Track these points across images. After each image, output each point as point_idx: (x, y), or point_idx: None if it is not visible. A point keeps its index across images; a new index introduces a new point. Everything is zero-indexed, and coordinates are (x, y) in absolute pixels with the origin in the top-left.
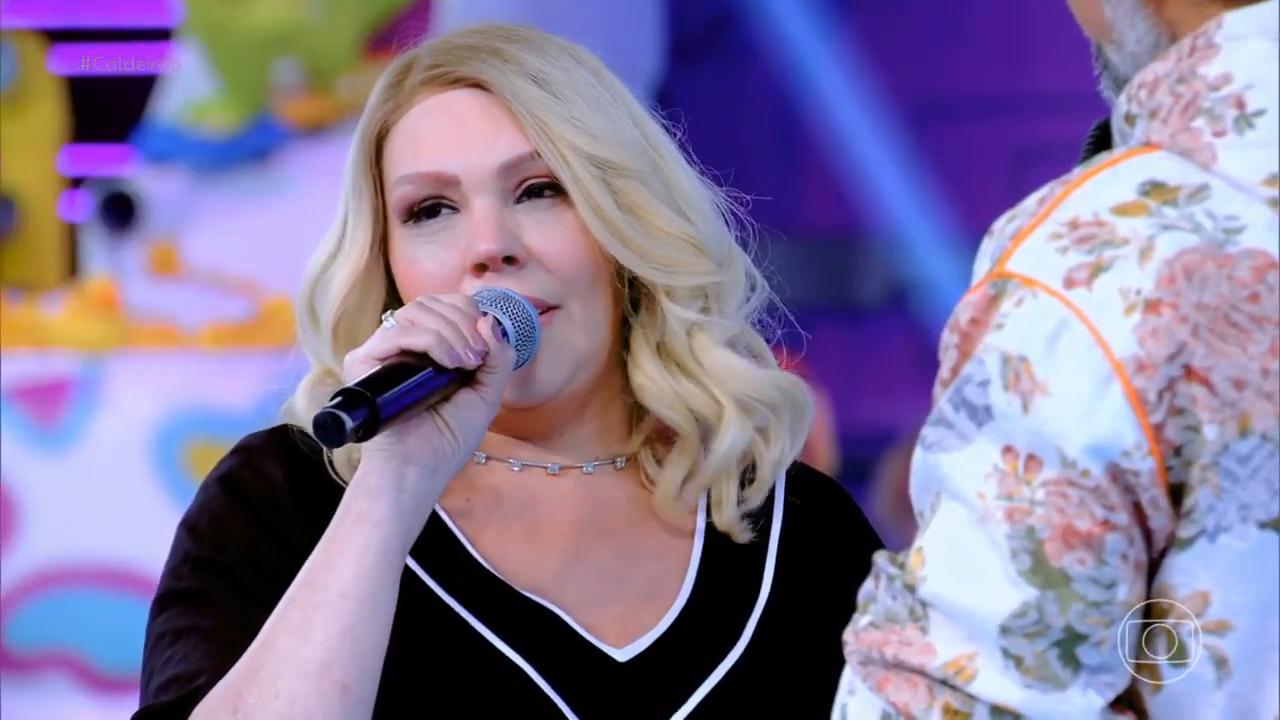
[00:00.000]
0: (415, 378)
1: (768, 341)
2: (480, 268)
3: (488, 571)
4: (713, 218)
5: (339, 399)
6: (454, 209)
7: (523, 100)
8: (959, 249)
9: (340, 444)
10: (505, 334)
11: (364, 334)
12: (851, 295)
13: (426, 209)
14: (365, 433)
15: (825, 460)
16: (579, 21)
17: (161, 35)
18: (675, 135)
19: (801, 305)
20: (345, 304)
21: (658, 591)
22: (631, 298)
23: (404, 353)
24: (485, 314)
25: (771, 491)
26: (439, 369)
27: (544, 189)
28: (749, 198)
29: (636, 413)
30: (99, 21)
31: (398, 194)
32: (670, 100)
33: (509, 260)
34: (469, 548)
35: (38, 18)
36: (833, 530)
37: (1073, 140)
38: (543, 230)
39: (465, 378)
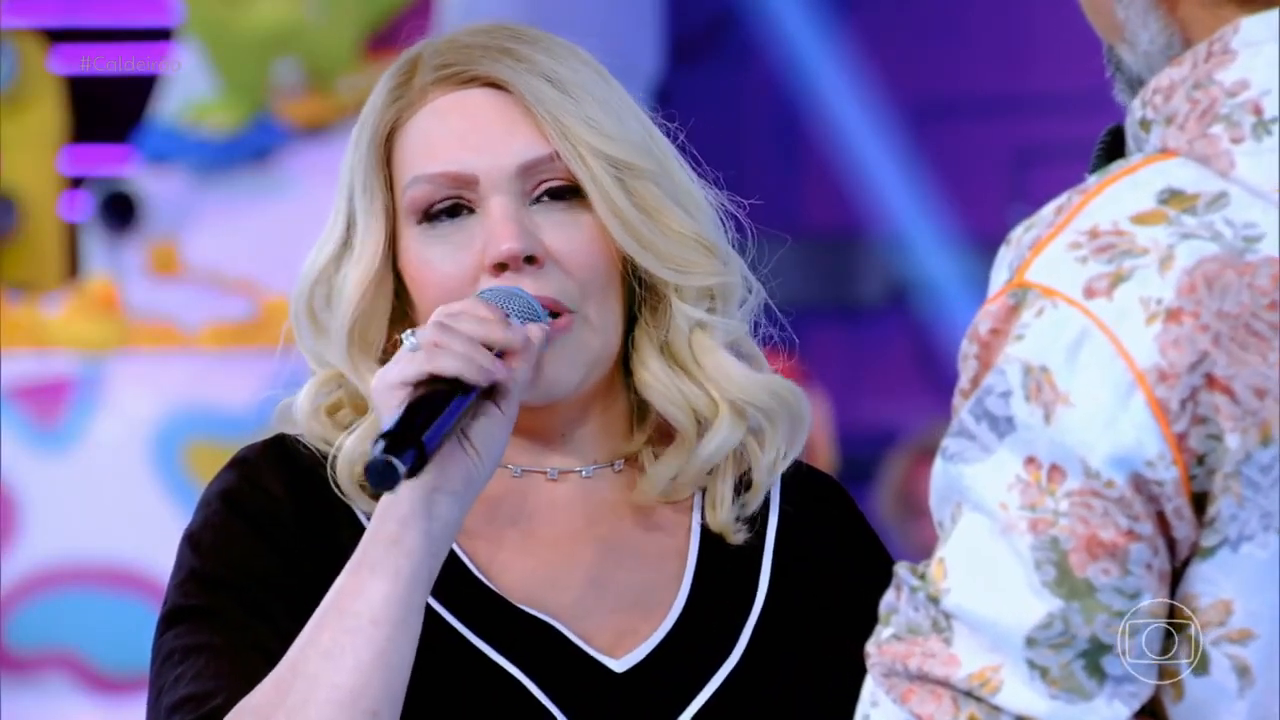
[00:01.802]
0: (448, 406)
1: (767, 342)
2: (500, 267)
3: (482, 584)
4: (714, 218)
5: (385, 443)
6: (470, 210)
7: (541, 100)
8: (959, 249)
9: (394, 488)
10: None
11: (376, 335)
12: (851, 295)
13: (444, 210)
14: (413, 474)
15: (825, 460)
16: (579, 21)
17: (161, 35)
18: (674, 136)
19: (801, 305)
20: (360, 306)
21: (653, 600)
22: (639, 300)
23: (433, 377)
24: (507, 315)
25: (766, 495)
26: (466, 390)
27: (563, 192)
28: (748, 203)
29: (638, 413)
30: (99, 21)
31: (412, 194)
32: (670, 100)
33: (529, 260)
34: (464, 560)
35: (38, 18)
36: (830, 530)
37: (1073, 140)
38: (560, 232)
39: (486, 392)
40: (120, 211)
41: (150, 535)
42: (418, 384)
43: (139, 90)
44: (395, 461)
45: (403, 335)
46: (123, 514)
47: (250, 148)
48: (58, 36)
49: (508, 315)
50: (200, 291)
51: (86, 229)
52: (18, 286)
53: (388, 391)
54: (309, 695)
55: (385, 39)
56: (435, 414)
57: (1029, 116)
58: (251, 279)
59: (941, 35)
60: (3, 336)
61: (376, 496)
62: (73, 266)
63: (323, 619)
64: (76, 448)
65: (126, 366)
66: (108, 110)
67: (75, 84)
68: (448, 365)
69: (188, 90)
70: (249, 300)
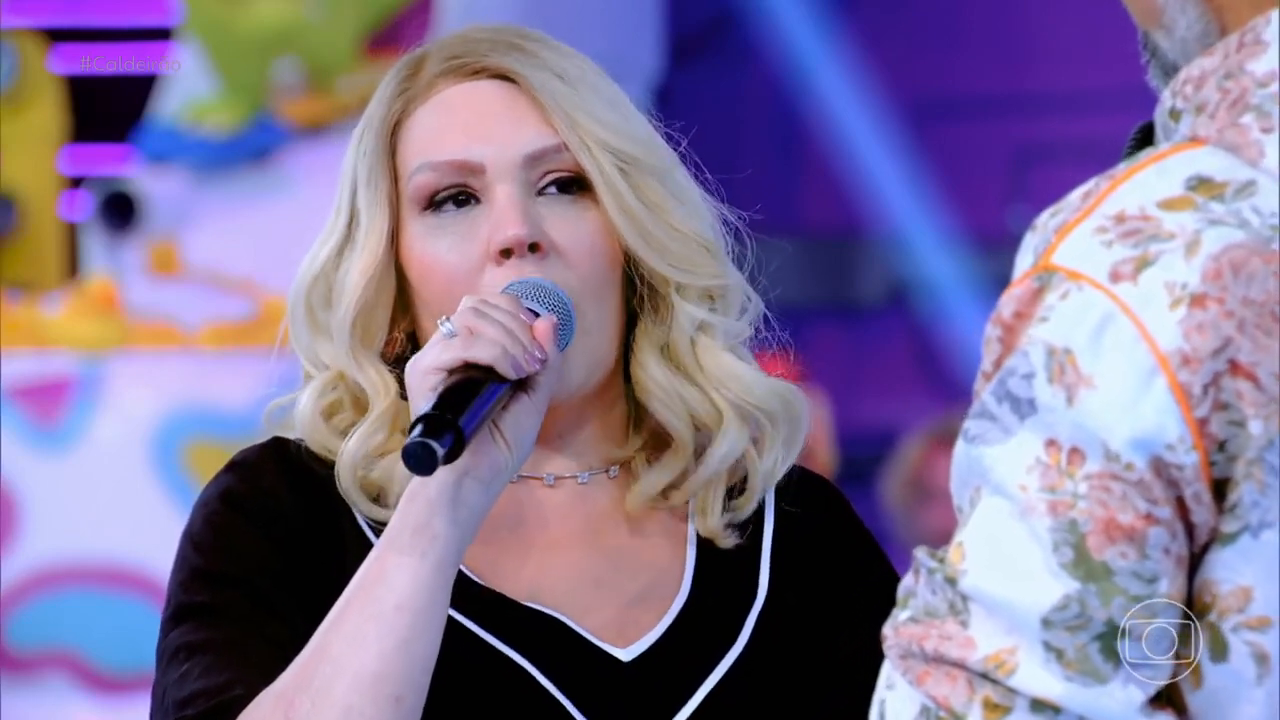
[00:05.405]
0: (483, 392)
1: (766, 342)
2: (505, 254)
3: (483, 585)
4: (714, 222)
5: (422, 426)
6: (475, 199)
7: (549, 92)
8: (959, 249)
9: (432, 473)
10: (558, 332)
11: (378, 329)
12: (851, 295)
13: (449, 197)
14: (450, 458)
15: (825, 460)
16: (579, 21)
17: (161, 35)
18: (674, 137)
19: (801, 305)
20: (363, 298)
21: (655, 596)
22: (638, 299)
23: (468, 364)
24: (537, 315)
25: (761, 497)
26: (500, 379)
27: (569, 184)
28: (746, 213)
29: (635, 418)
30: (99, 21)
31: (417, 181)
32: (670, 100)
33: (533, 248)
34: (462, 565)
35: (38, 18)
36: (825, 530)
37: (1072, 140)
38: (565, 224)
39: (519, 383)
40: (120, 211)
41: (150, 535)
42: (452, 370)
43: (139, 90)
44: (434, 445)
45: (440, 321)
46: (123, 514)
47: (250, 147)
48: (58, 36)
49: (534, 307)
50: (200, 291)
51: (86, 229)
52: (18, 286)
53: (422, 376)
54: (333, 679)
55: (385, 39)
56: (471, 400)
57: (1029, 116)
58: (251, 279)
59: (941, 35)
60: (3, 336)
61: (377, 501)
62: (73, 266)
63: (347, 603)
64: (76, 447)
65: (126, 366)
66: (108, 110)
67: (75, 84)
68: (483, 354)
69: (188, 90)
70: (249, 300)
